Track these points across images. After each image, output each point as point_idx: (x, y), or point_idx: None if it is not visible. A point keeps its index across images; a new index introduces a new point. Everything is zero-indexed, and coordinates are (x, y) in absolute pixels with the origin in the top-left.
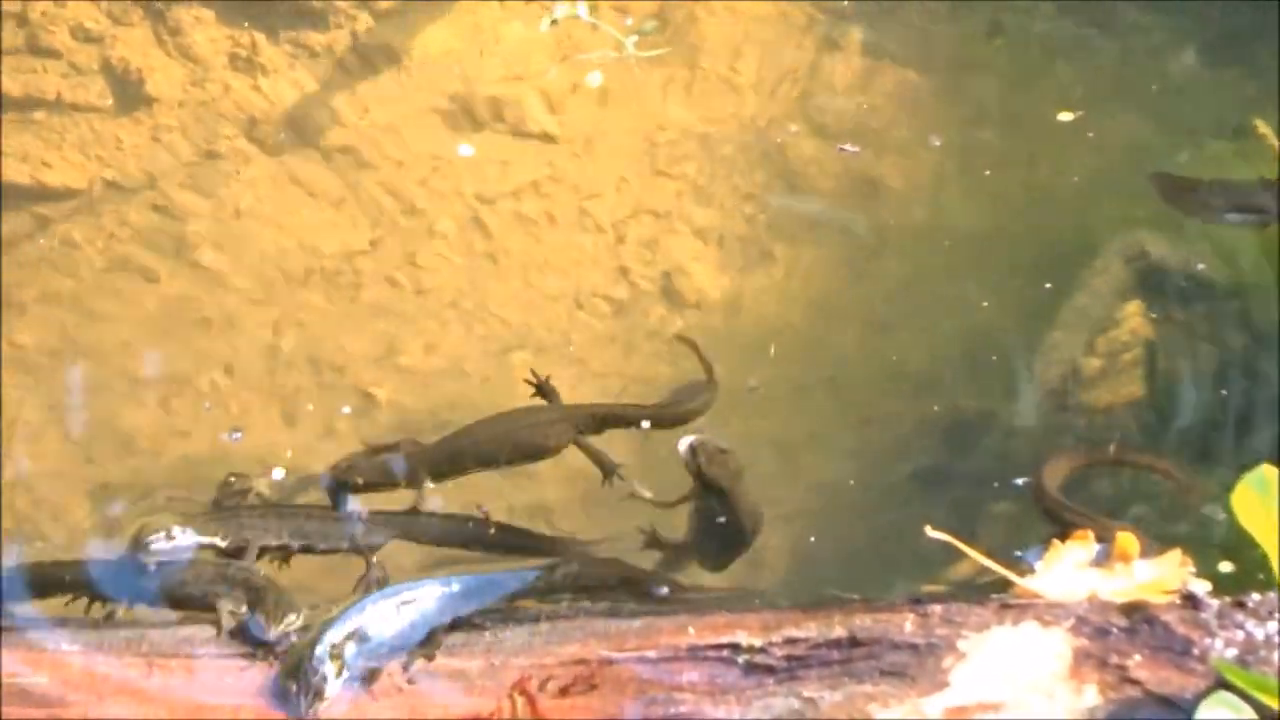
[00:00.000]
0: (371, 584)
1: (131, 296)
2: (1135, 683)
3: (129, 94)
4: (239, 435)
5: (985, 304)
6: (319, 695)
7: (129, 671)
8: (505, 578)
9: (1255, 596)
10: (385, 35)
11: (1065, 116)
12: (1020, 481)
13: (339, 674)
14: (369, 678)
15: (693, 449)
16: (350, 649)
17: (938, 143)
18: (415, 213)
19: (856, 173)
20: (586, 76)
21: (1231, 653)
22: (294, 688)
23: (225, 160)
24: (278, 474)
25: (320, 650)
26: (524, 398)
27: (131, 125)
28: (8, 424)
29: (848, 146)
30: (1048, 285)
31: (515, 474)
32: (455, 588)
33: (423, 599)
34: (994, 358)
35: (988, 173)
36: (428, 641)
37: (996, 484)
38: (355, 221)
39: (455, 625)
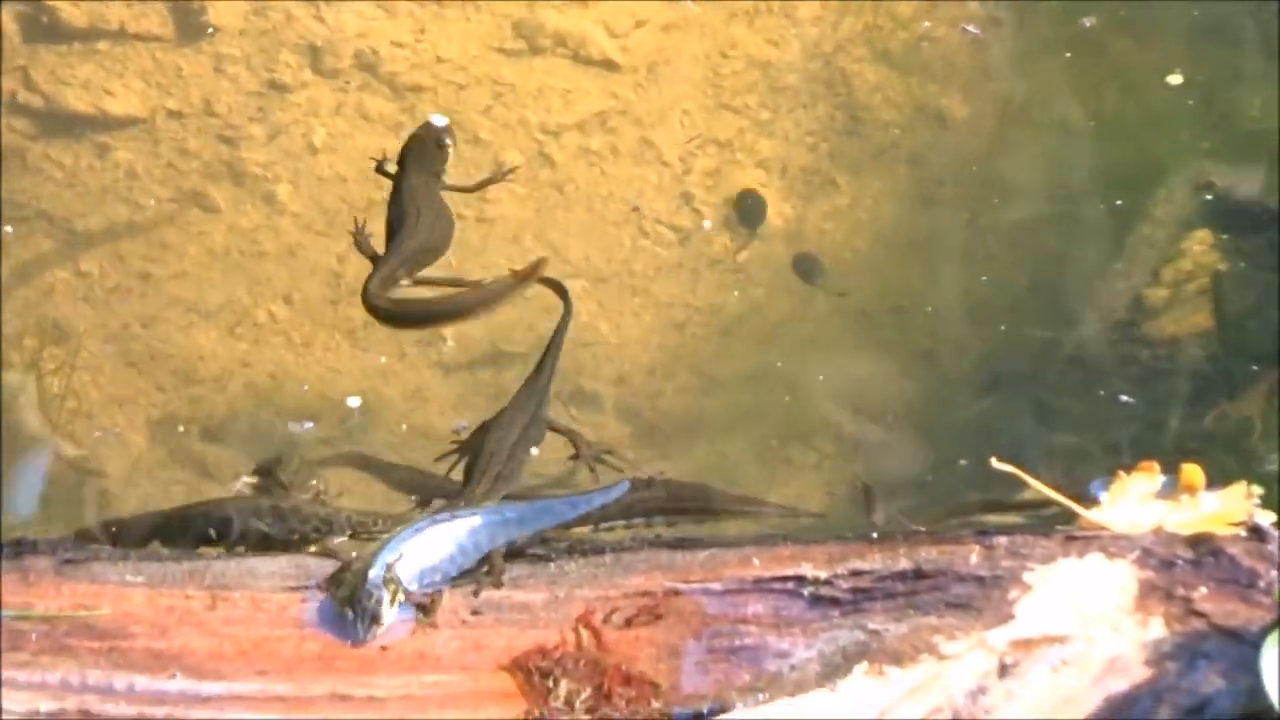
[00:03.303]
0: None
1: (192, 226)
2: (1201, 615)
3: (190, 23)
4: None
5: (1050, 233)
6: (376, 620)
7: (192, 604)
8: (559, 504)
9: None
10: None
11: (1174, 79)
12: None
13: (394, 600)
14: (428, 606)
15: None
16: (404, 574)
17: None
18: (479, 143)
19: (921, 102)
20: None
21: None
22: (350, 614)
23: (287, 89)
24: (353, 401)
25: (374, 574)
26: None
27: (193, 54)
28: (69, 353)
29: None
30: (1113, 215)
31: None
32: (508, 514)
33: (474, 525)
34: (1058, 287)
35: (1053, 101)
36: (490, 569)
37: (1060, 414)
38: None
39: (513, 553)
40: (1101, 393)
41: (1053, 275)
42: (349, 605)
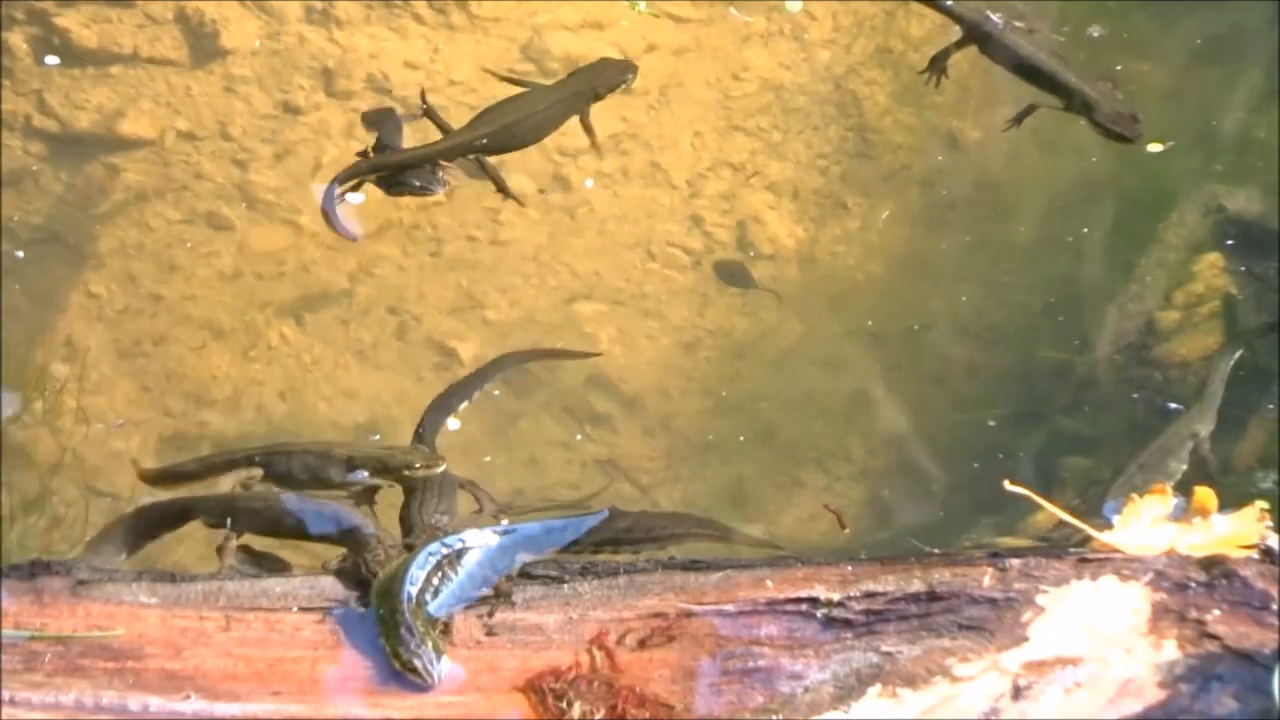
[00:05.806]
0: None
1: (203, 247)
2: (1214, 638)
3: (203, 46)
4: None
5: (1062, 256)
6: (439, 654)
7: (206, 625)
8: (561, 526)
9: None
10: None
11: (1155, 148)
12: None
13: (436, 635)
14: (443, 630)
15: None
16: (427, 605)
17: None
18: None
19: (932, 125)
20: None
21: None
22: (416, 662)
23: (299, 112)
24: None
25: (418, 625)
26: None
27: (205, 77)
28: (79, 373)
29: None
30: (1124, 238)
31: (591, 429)
32: (510, 537)
33: (479, 553)
34: (1071, 310)
35: (1063, 126)
36: (498, 591)
37: (1073, 437)
38: None
39: (520, 574)
40: (1113, 414)
41: (1065, 298)
42: (411, 656)
